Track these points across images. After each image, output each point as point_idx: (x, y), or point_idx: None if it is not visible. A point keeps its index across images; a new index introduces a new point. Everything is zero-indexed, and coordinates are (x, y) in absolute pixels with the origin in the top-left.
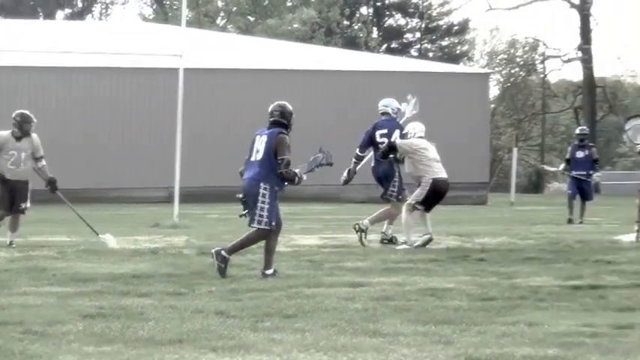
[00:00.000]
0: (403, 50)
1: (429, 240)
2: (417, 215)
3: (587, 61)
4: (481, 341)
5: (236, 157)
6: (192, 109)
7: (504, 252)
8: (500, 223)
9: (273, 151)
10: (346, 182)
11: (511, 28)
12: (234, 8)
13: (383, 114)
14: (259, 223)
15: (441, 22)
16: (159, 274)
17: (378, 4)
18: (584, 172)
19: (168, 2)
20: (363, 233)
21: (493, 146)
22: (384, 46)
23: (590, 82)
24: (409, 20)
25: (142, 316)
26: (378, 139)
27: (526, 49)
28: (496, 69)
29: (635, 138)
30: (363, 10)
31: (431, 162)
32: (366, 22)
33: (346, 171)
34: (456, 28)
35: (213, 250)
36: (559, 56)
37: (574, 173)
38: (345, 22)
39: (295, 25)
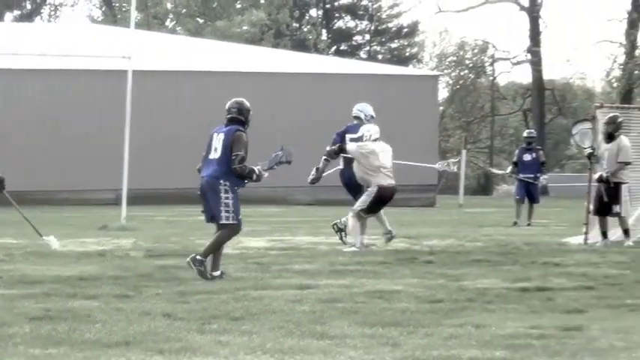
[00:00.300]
0: (352, 52)
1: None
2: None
3: (536, 63)
4: (428, 343)
5: (184, 159)
6: (140, 112)
7: (452, 254)
8: (449, 226)
9: (230, 148)
10: (314, 181)
11: (460, 30)
12: (184, 10)
13: (355, 117)
14: (227, 218)
15: (390, 25)
16: (106, 277)
17: (328, 6)
18: (532, 175)
19: (117, 4)
20: (342, 232)
21: (442, 148)
22: (334, 48)
23: (539, 85)
24: (359, 22)
25: (89, 318)
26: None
27: (475, 51)
28: (445, 71)
29: (582, 142)
30: (313, 12)
31: (377, 169)
32: (315, 25)
33: (314, 169)
34: (405, 30)
35: (188, 260)
36: (508, 59)
37: (521, 176)
38: (295, 25)
39: (244, 28)
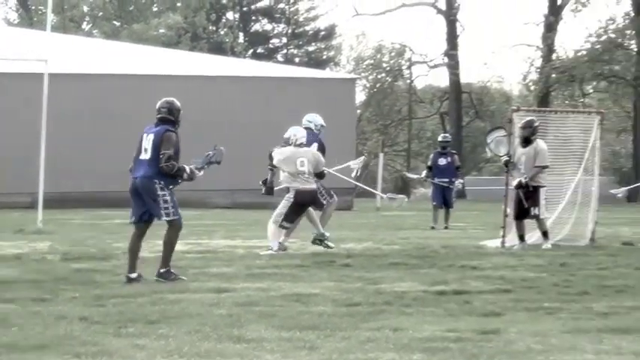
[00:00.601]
0: (270, 55)
1: (322, 241)
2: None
3: (453, 66)
4: (346, 347)
5: (101, 162)
6: (56, 115)
7: (370, 257)
8: (366, 229)
9: (160, 148)
10: (267, 192)
11: (378, 33)
12: (100, 13)
13: (306, 128)
14: (168, 215)
15: (307, 28)
16: (22, 280)
17: (245, 9)
18: (447, 180)
19: (33, 7)
20: (323, 241)
21: (359, 151)
22: (251, 51)
23: (456, 88)
24: (275, 25)
25: (5, 322)
26: None
27: (392, 54)
28: (362, 74)
29: (498, 151)
30: (230, 15)
31: (295, 174)
32: (232, 28)
33: (261, 182)
34: (322, 33)
35: (154, 277)
36: (425, 62)
37: (437, 180)
38: (212, 28)
39: (161, 30)
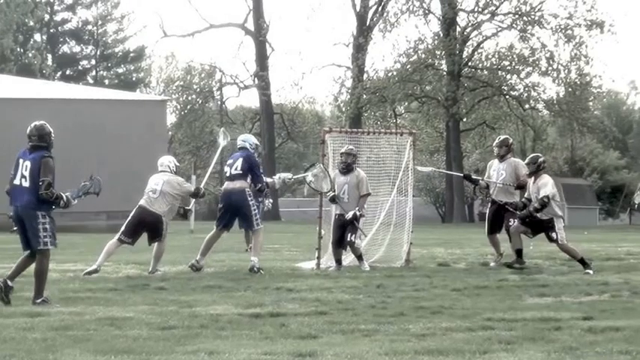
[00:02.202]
0: (79, 77)
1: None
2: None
3: (263, 87)
4: None
5: None
6: None
7: (184, 280)
8: (180, 252)
9: (39, 175)
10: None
11: (188, 54)
12: None
13: (240, 148)
14: (45, 244)
15: (116, 49)
16: None
17: (52, 30)
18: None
19: None
20: (258, 270)
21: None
22: (60, 73)
23: (267, 109)
24: (84, 47)
25: None
26: (225, 169)
27: (203, 75)
28: (173, 96)
29: (320, 187)
30: (37, 36)
31: (145, 193)
32: (40, 50)
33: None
34: (132, 55)
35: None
36: (236, 83)
37: None
38: (19, 49)
39: None
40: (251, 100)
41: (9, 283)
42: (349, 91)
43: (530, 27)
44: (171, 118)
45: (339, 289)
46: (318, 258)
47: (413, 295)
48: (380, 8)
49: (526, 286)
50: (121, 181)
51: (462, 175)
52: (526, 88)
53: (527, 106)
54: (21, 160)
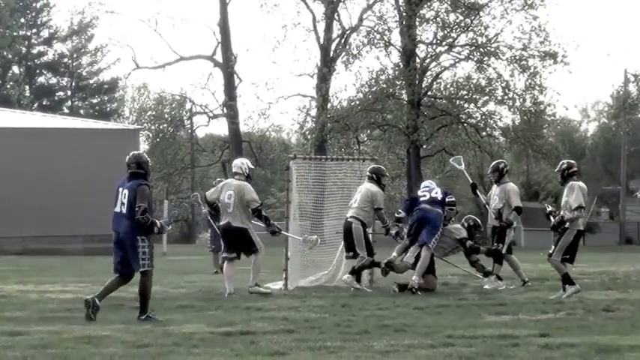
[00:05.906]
0: (55, 108)
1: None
2: None
3: (232, 116)
4: None
5: None
6: None
7: (158, 300)
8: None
9: (135, 201)
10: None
11: (159, 85)
12: None
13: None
14: (144, 266)
15: (91, 81)
16: None
17: (30, 63)
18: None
19: None
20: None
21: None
22: (37, 104)
23: (236, 137)
24: (60, 79)
25: None
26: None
27: (174, 105)
28: (145, 125)
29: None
30: (15, 69)
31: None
32: (18, 81)
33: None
34: (105, 86)
35: (88, 300)
36: (206, 112)
37: (216, 225)
38: None
39: None
40: (220, 128)
41: (97, 302)
42: (314, 119)
43: (486, 58)
44: (144, 146)
45: (307, 308)
46: (286, 279)
47: (377, 313)
48: (342, 40)
49: (485, 305)
50: (97, 206)
51: (470, 182)
52: (483, 117)
53: (484, 133)
54: (120, 189)
